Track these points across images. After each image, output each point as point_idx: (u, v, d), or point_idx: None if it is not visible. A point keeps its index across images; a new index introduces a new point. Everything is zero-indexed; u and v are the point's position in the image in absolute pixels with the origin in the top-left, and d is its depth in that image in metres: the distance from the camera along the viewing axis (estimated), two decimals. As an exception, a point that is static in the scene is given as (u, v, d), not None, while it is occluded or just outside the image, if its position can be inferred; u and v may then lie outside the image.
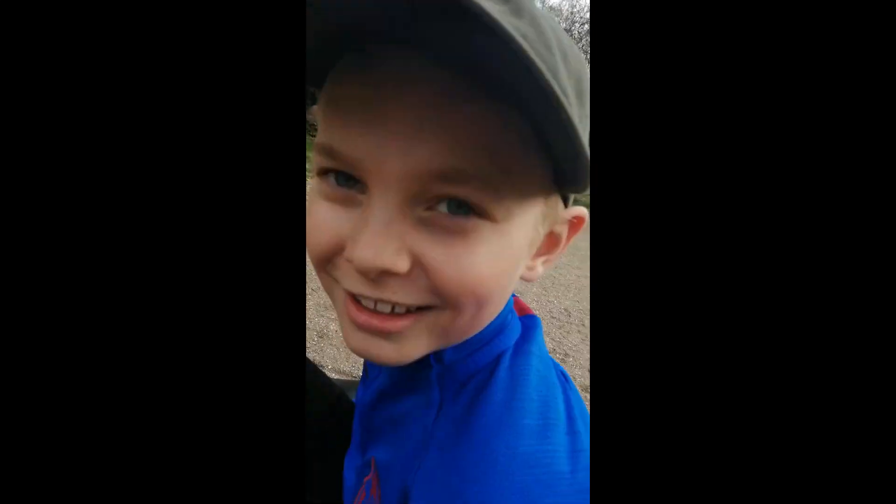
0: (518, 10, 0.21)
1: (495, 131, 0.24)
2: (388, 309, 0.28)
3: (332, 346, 1.77)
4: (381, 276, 0.26)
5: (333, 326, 1.90)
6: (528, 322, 0.40)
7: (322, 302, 2.03)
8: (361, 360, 1.73)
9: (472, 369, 0.34)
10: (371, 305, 0.28)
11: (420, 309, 0.29)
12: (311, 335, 1.81)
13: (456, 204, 0.26)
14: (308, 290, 2.06)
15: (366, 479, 0.38)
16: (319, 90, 0.30)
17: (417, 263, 0.27)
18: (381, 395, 0.40)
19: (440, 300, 0.28)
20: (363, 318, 0.28)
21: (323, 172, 0.28)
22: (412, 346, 0.30)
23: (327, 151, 0.27)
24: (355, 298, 0.29)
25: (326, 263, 0.29)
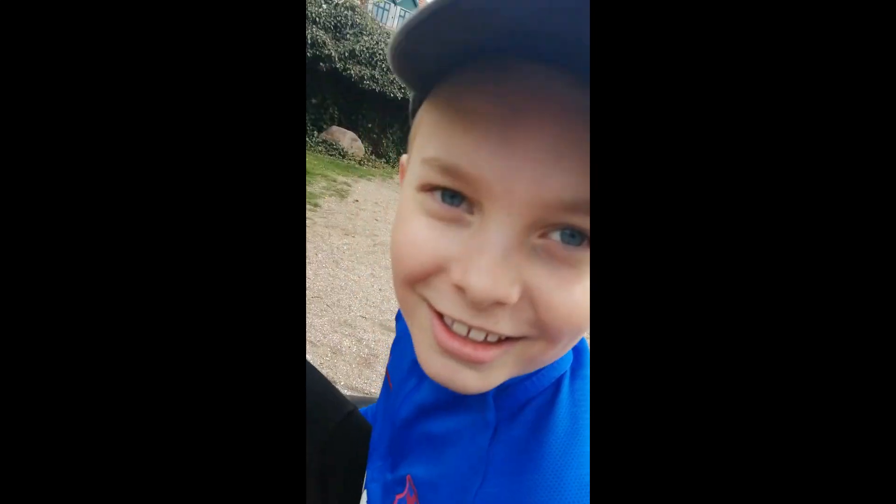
0: None
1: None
2: (481, 336, 0.27)
3: (346, 362, 1.77)
4: (489, 305, 0.25)
5: (347, 343, 1.90)
6: (579, 344, 0.38)
7: (337, 318, 2.04)
8: (374, 378, 1.73)
9: (532, 392, 0.33)
10: (464, 332, 0.27)
11: (511, 338, 0.27)
12: (325, 351, 1.81)
13: (570, 233, 0.24)
14: (323, 307, 2.07)
15: (398, 496, 0.36)
16: (419, 95, 0.28)
17: (527, 295, 0.25)
18: (422, 410, 0.39)
19: (538, 331, 0.26)
20: (455, 344, 0.27)
21: (429, 188, 0.26)
22: (497, 375, 0.28)
23: (444, 168, 0.25)
24: (443, 320, 0.27)
25: (418, 282, 0.28)
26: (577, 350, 0.38)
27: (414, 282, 0.28)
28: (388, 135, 8.24)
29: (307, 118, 7.15)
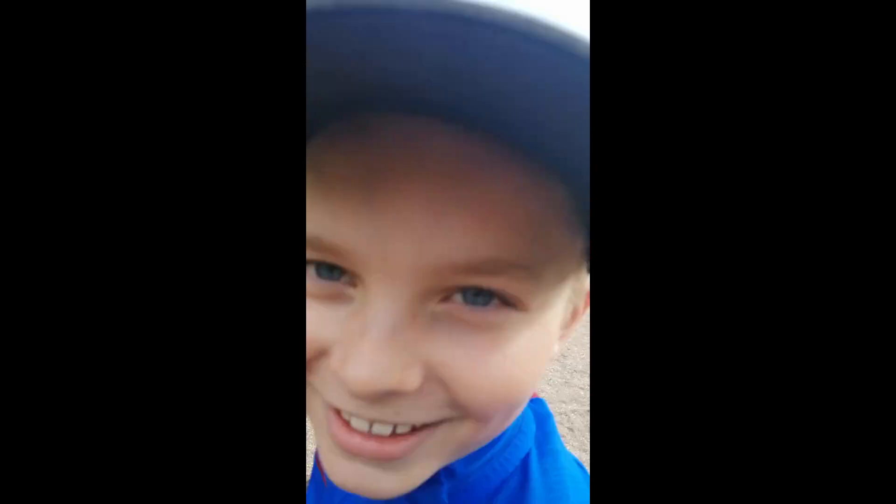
0: None
1: (537, 204, 0.19)
2: (387, 430, 0.22)
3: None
4: (381, 396, 0.20)
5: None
6: (538, 408, 0.33)
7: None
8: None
9: (495, 481, 0.28)
10: (365, 426, 0.22)
11: (429, 424, 0.22)
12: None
13: (474, 292, 0.20)
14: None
15: None
16: None
17: (432, 375, 0.21)
18: None
19: (459, 412, 0.22)
20: (355, 441, 0.22)
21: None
22: (419, 470, 0.23)
23: (308, 241, 0.20)
24: (341, 415, 0.22)
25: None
26: (538, 417, 0.32)
27: None
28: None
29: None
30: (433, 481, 0.27)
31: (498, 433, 0.25)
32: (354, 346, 0.19)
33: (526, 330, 0.21)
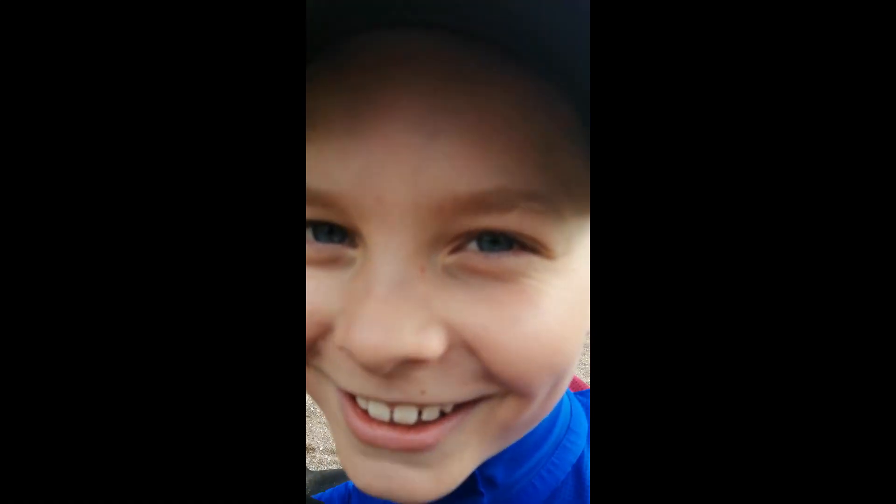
0: None
1: (543, 122, 0.17)
2: (412, 416, 0.18)
3: (321, 423, 1.66)
4: (400, 367, 0.17)
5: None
6: (589, 402, 0.28)
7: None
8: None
9: (544, 491, 0.24)
10: (385, 415, 0.19)
11: (463, 404, 0.19)
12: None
13: (490, 239, 0.17)
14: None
15: None
16: None
17: (457, 341, 0.18)
18: None
19: (497, 387, 0.19)
20: (378, 432, 0.19)
21: None
22: (457, 465, 0.20)
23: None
24: (356, 402, 0.19)
25: (308, 352, 0.20)
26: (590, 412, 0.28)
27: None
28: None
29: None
30: (471, 491, 0.23)
31: (545, 413, 0.21)
32: (359, 309, 0.17)
33: (556, 279, 0.18)
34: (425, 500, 0.19)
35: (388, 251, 0.17)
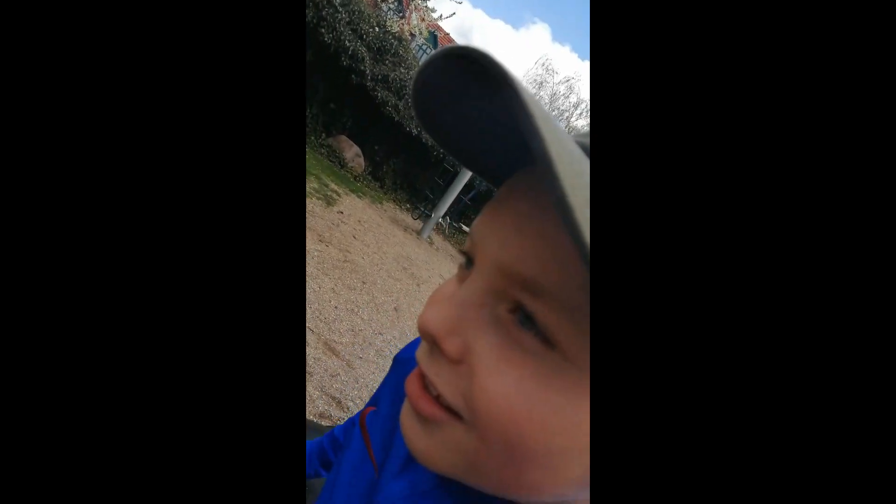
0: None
1: (564, 247, 0.22)
2: (434, 393, 0.26)
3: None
4: (433, 347, 0.26)
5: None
6: None
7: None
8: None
9: None
10: (429, 388, 0.27)
11: (452, 413, 0.26)
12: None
13: (525, 316, 0.24)
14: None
15: None
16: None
17: (467, 360, 0.25)
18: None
19: (468, 413, 0.25)
20: (412, 388, 0.27)
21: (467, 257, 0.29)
22: (439, 448, 0.26)
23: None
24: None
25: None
26: None
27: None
28: (391, 163, 8.37)
29: (319, 119, 7.24)
30: None
31: (513, 487, 0.26)
32: (439, 299, 0.27)
33: (555, 377, 0.23)
34: (413, 451, 0.28)
35: (474, 282, 0.26)
